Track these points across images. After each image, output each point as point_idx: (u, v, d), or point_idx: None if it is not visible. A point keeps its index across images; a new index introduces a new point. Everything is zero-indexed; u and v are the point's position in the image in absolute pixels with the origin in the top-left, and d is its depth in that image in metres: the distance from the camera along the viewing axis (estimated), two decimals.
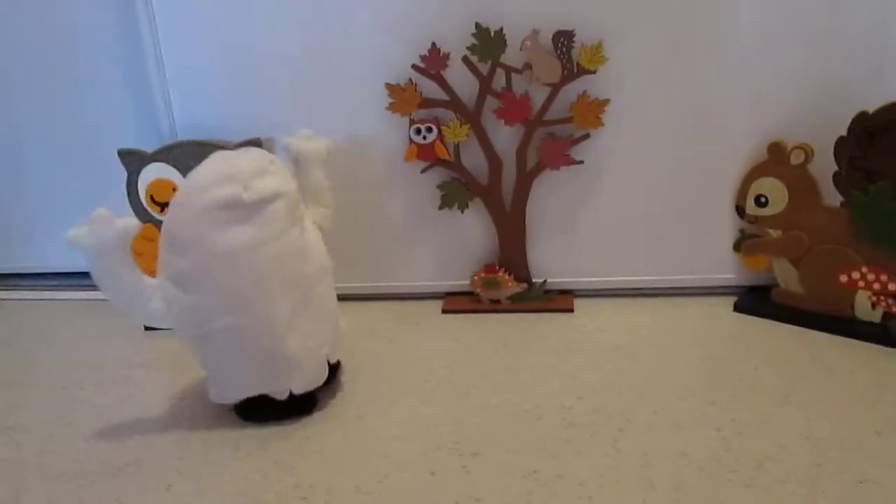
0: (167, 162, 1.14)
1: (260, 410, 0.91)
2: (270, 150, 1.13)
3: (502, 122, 1.09)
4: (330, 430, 0.90)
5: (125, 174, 1.16)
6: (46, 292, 1.37)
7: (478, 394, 0.96)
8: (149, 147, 1.14)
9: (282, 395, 0.90)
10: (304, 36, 1.09)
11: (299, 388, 0.90)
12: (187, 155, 1.13)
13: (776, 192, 1.06)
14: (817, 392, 0.91)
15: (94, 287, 0.86)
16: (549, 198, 1.13)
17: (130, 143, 1.17)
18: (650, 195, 1.12)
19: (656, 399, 0.92)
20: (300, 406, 0.93)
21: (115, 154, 1.15)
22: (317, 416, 0.93)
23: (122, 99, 1.24)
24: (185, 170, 1.14)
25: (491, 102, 1.08)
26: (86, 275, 0.86)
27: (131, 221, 0.84)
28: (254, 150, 0.88)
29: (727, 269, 1.15)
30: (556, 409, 0.91)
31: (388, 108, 1.09)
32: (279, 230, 0.85)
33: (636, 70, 1.05)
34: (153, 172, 1.15)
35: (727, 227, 1.13)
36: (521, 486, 0.78)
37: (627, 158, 1.10)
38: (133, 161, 1.14)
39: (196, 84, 1.15)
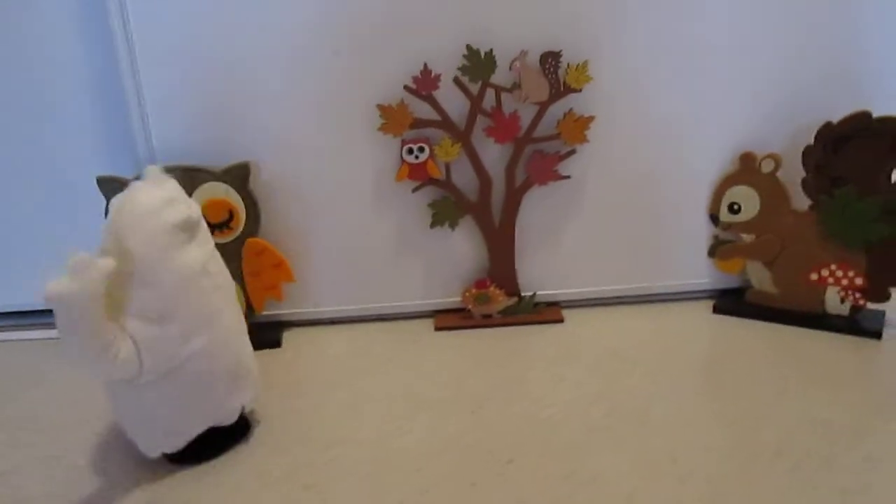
0: None
1: (207, 445, 0.89)
2: (257, 174, 1.13)
3: (492, 140, 1.12)
4: (358, 452, 0.90)
5: (102, 203, 1.12)
6: (24, 332, 1.29)
7: (493, 406, 0.98)
8: (126, 174, 1.11)
9: (232, 417, 0.90)
10: (292, 57, 1.09)
11: (251, 399, 0.92)
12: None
13: (748, 199, 1.14)
14: (807, 381, 0.98)
15: None
16: (534, 212, 1.17)
17: (102, 171, 1.13)
18: (630, 207, 1.18)
19: (664, 398, 0.96)
20: (243, 428, 0.93)
21: (92, 182, 1.11)
22: (338, 447, 0.91)
23: (96, 125, 1.19)
24: None
25: (481, 121, 1.11)
26: None
27: (109, 263, 0.74)
28: (162, 177, 0.85)
29: (702, 274, 1.22)
30: (574, 415, 0.94)
31: (379, 129, 1.11)
32: (211, 245, 0.88)
33: (617, 88, 1.11)
34: None
35: (701, 234, 1.20)
36: (562, 488, 0.81)
37: (608, 172, 1.16)
38: (112, 189, 1.10)
39: (176, 108, 1.13)
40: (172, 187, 0.84)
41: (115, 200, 0.81)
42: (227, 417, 0.90)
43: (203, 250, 0.85)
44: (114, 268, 0.75)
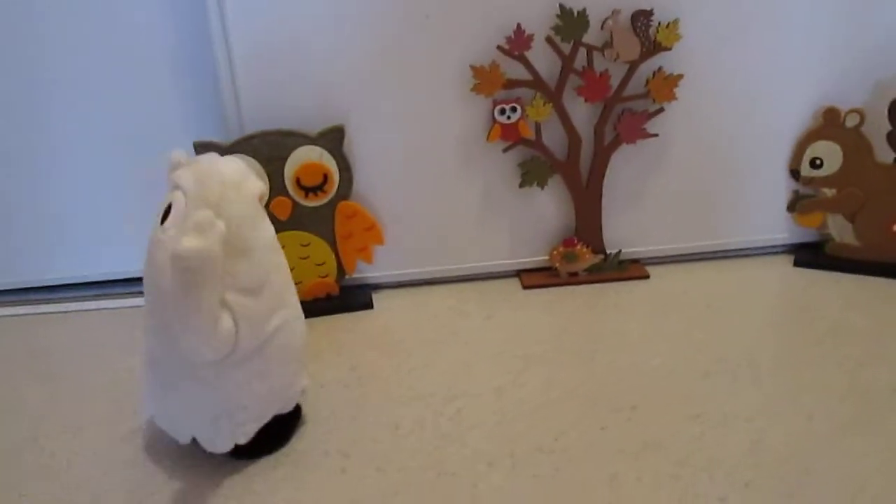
0: (246, 153, 1.11)
1: (271, 434, 0.84)
2: (349, 137, 1.14)
3: (582, 99, 1.13)
4: (481, 404, 0.92)
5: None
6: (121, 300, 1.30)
7: (601, 357, 1.00)
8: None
9: (294, 402, 0.87)
10: (384, 20, 1.10)
11: (306, 384, 0.88)
12: (267, 145, 1.12)
13: (831, 154, 1.16)
14: None
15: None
16: (619, 171, 1.19)
17: (189, 137, 1.13)
18: (711, 164, 1.20)
19: (769, 345, 1.00)
20: (298, 415, 0.89)
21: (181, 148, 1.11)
22: (460, 400, 0.94)
23: (185, 90, 1.20)
24: (266, 161, 1.12)
25: (571, 81, 1.12)
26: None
27: (222, 225, 0.71)
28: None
29: (780, 228, 1.24)
30: (683, 363, 0.97)
31: (472, 90, 1.12)
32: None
33: (704, 45, 1.13)
34: None
35: (779, 189, 1.22)
36: (693, 429, 0.83)
37: (692, 129, 1.18)
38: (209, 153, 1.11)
39: (265, 72, 1.13)
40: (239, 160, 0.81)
41: (190, 171, 0.75)
42: (292, 401, 0.86)
43: (270, 225, 0.82)
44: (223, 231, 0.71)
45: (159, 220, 0.75)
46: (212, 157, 0.79)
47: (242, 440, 0.80)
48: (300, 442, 0.87)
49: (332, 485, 0.79)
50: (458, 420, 0.89)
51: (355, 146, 1.15)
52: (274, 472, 0.81)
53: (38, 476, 0.83)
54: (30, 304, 1.30)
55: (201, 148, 1.11)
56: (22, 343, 1.17)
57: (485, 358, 1.02)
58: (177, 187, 0.75)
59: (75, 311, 1.27)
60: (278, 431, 0.85)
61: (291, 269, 0.85)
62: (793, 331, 1.04)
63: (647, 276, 1.21)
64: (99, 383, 1.02)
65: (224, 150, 1.11)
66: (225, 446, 0.80)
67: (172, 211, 0.74)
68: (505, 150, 1.16)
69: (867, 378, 0.90)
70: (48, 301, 1.30)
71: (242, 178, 0.78)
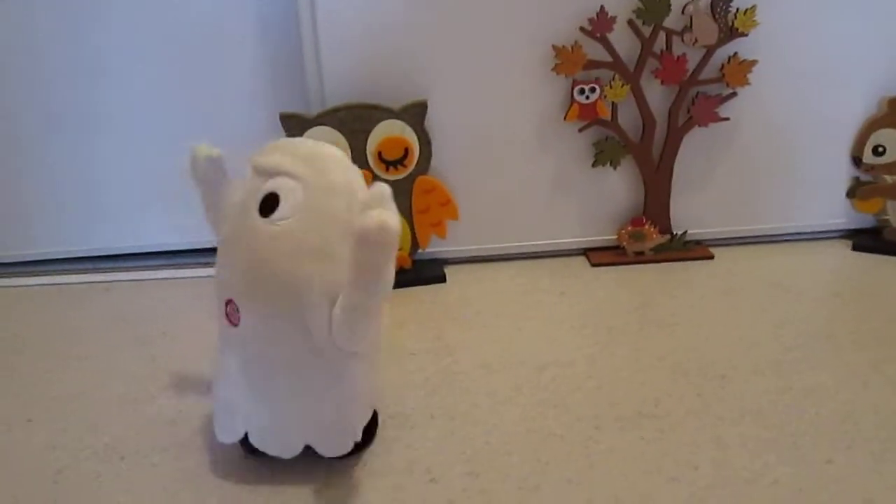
0: (331, 125, 1.13)
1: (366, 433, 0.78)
2: (430, 113, 1.16)
3: (658, 81, 1.16)
4: (572, 371, 0.95)
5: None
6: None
7: (682, 330, 1.04)
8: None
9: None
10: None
11: None
12: (353, 118, 1.14)
13: (894, 142, 1.20)
14: None
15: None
16: (688, 153, 1.22)
17: (272, 109, 1.16)
18: (776, 148, 1.24)
19: (843, 321, 1.03)
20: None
21: (264, 121, 1.14)
22: (551, 369, 0.97)
23: (269, 62, 1.22)
24: (349, 133, 1.14)
25: (649, 64, 1.15)
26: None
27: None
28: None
29: (838, 214, 1.28)
30: (765, 337, 1.01)
31: (553, 69, 1.14)
32: None
33: (778, 32, 1.16)
34: (314, 136, 1.13)
35: (839, 175, 1.26)
36: (784, 397, 0.87)
37: (760, 114, 1.21)
38: (294, 125, 1.13)
39: (348, 46, 1.15)
40: None
41: (297, 158, 0.70)
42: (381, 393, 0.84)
43: None
44: None
45: (255, 210, 0.68)
46: (306, 142, 0.73)
47: (357, 438, 0.74)
48: (403, 405, 0.89)
49: (444, 443, 0.82)
50: (555, 387, 0.92)
51: (435, 121, 1.17)
52: (383, 432, 0.83)
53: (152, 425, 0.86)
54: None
55: (287, 120, 1.13)
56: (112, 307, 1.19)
57: (567, 330, 1.05)
58: (276, 174, 0.68)
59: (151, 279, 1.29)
60: (370, 427, 0.79)
61: None
62: (863, 310, 1.08)
63: (711, 257, 1.25)
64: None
65: (310, 123, 1.13)
66: (345, 447, 0.74)
67: (287, 200, 0.67)
68: (581, 130, 1.19)
69: None
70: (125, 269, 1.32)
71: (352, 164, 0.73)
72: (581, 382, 0.93)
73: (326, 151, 0.71)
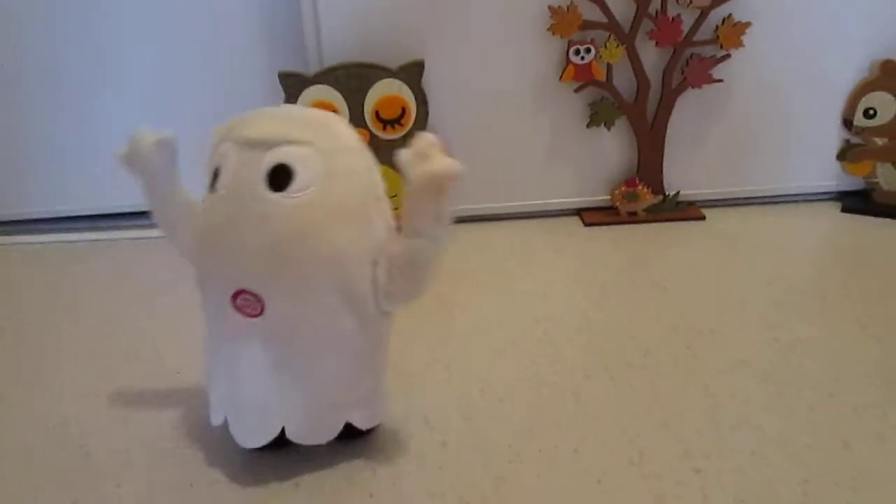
0: (330, 84, 1.14)
1: None
2: (427, 72, 1.16)
3: (653, 43, 1.17)
4: (566, 326, 0.98)
5: (275, 100, 1.16)
6: None
7: (675, 287, 1.06)
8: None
9: None
10: None
11: None
12: (350, 77, 1.15)
13: (885, 104, 1.22)
14: None
15: None
16: (681, 115, 1.24)
17: (269, 68, 1.16)
18: (768, 111, 1.25)
19: (833, 278, 1.06)
20: None
21: (260, 79, 1.15)
22: (545, 323, 1.00)
23: (266, 20, 1.22)
24: (347, 92, 1.15)
25: (644, 25, 1.16)
26: None
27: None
28: None
29: (828, 176, 1.30)
30: (755, 293, 1.03)
31: (549, 30, 1.15)
32: None
33: None
34: (313, 95, 1.15)
35: (830, 138, 1.28)
36: (771, 348, 0.90)
37: (754, 76, 1.22)
38: (293, 84, 1.14)
39: (346, 4, 1.16)
40: None
41: (303, 124, 0.65)
42: None
43: None
44: None
45: (261, 186, 0.62)
46: (292, 108, 0.73)
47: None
48: (400, 357, 0.91)
49: (441, 392, 0.85)
50: (547, 340, 0.94)
51: (432, 81, 1.18)
52: None
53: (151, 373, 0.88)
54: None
55: (286, 78, 1.14)
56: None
57: (561, 286, 1.08)
58: (277, 145, 0.62)
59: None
60: None
61: None
62: (851, 268, 1.10)
63: (702, 218, 1.27)
64: None
65: (308, 81, 1.14)
66: (384, 413, 0.74)
67: (303, 169, 0.62)
68: (577, 90, 1.20)
69: None
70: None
71: None
72: (573, 335, 0.95)
73: (323, 115, 0.68)
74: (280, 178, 0.62)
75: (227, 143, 0.65)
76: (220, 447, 0.75)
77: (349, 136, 0.66)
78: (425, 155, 0.60)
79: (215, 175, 0.65)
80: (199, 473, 0.73)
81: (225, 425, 0.71)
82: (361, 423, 0.72)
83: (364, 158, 0.66)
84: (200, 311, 0.71)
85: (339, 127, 0.66)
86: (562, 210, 1.31)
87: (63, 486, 0.72)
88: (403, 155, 0.61)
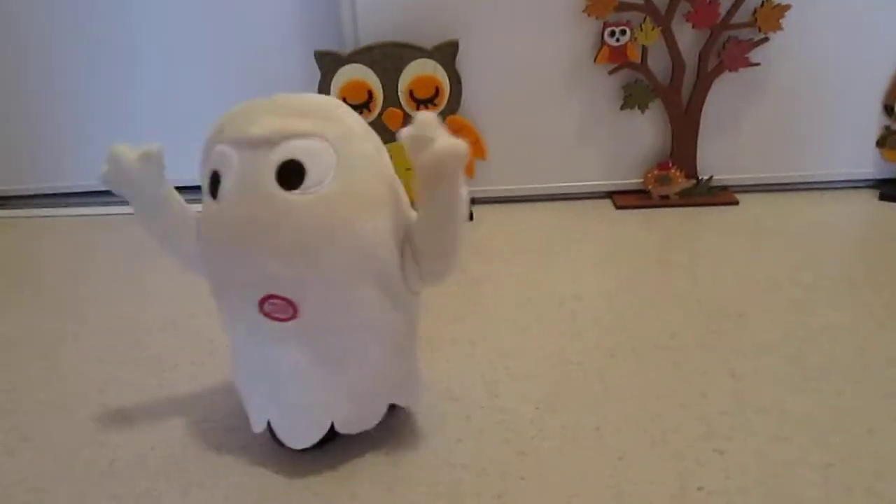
0: (365, 63, 1.16)
1: None
2: (461, 52, 1.17)
3: (689, 25, 1.16)
4: (593, 305, 0.98)
5: (306, 82, 1.18)
6: None
7: (704, 271, 1.06)
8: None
9: None
10: None
11: None
12: (385, 56, 1.16)
13: None
14: None
15: None
16: (717, 98, 1.23)
17: (306, 47, 1.18)
18: (806, 96, 1.24)
19: (863, 264, 1.05)
20: None
21: (296, 60, 1.16)
22: (571, 302, 1.00)
23: (304, 1, 1.24)
24: (382, 72, 1.17)
25: (681, 7, 1.15)
26: None
27: None
28: None
29: (867, 163, 1.28)
30: (784, 278, 1.02)
31: (584, 11, 1.15)
32: None
33: None
34: (348, 74, 1.16)
35: (870, 125, 1.26)
36: (799, 333, 0.89)
37: (792, 61, 1.21)
38: (328, 62, 1.16)
39: None
40: None
41: (311, 120, 0.61)
42: None
43: None
44: None
45: (272, 186, 0.59)
46: (289, 97, 0.63)
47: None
48: (426, 331, 0.92)
49: (466, 368, 0.86)
50: (574, 319, 0.95)
51: (466, 61, 1.19)
52: None
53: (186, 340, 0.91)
54: None
55: (322, 57, 1.16)
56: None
57: (589, 268, 1.08)
58: (282, 140, 0.59)
59: None
60: None
61: None
62: (884, 256, 1.09)
63: (736, 203, 1.26)
64: None
65: (343, 60, 1.16)
66: (423, 390, 0.75)
67: (315, 162, 0.59)
68: (611, 72, 1.20)
69: None
70: None
71: None
72: (599, 316, 0.96)
73: (323, 100, 0.64)
74: (291, 175, 0.59)
75: (223, 145, 0.61)
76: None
77: (354, 120, 0.63)
78: (427, 138, 0.57)
79: (215, 181, 0.61)
80: (230, 442, 0.75)
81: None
82: (404, 403, 0.73)
83: (372, 141, 0.63)
84: (220, 318, 0.69)
85: (342, 111, 0.63)
86: (593, 193, 1.31)
87: (103, 444, 0.75)
88: (404, 137, 0.58)
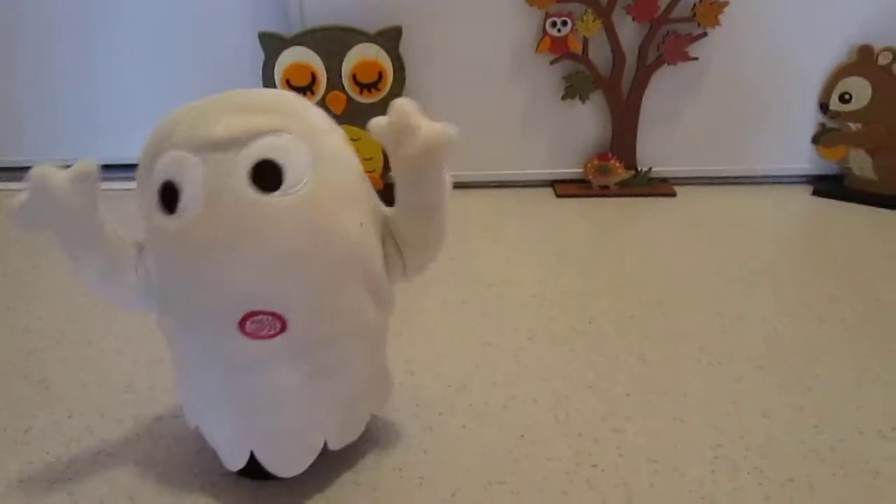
0: (308, 46, 1.17)
1: None
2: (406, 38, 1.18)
3: (630, 18, 1.19)
4: (521, 290, 1.01)
5: (250, 62, 1.19)
6: None
7: (632, 259, 1.09)
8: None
9: None
10: None
11: None
12: (329, 39, 1.17)
13: (861, 89, 1.22)
14: None
15: None
16: (656, 92, 1.25)
17: (251, 29, 1.19)
18: (743, 92, 1.26)
19: (786, 259, 1.08)
20: None
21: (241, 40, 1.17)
22: (501, 286, 1.03)
23: None
24: (325, 55, 1.18)
25: (622, 0, 1.17)
26: None
27: None
28: None
29: (802, 159, 1.31)
30: (709, 268, 1.06)
31: (527, 1, 1.17)
32: None
33: None
34: (291, 56, 1.17)
35: (805, 122, 1.29)
36: (713, 322, 0.92)
37: (729, 57, 1.23)
38: (273, 44, 1.17)
39: None
40: None
41: (270, 117, 0.56)
42: None
43: None
44: None
45: (248, 191, 0.53)
46: (243, 93, 0.59)
47: None
48: None
49: (389, 345, 0.88)
50: (500, 302, 0.97)
51: (410, 47, 1.20)
52: None
53: None
54: None
55: (266, 38, 1.17)
56: None
57: (523, 253, 1.11)
58: (251, 139, 0.54)
59: None
60: None
61: None
62: (810, 250, 1.12)
63: (673, 194, 1.29)
64: None
65: (287, 42, 1.17)
66: (394, 388, 0.72)
67: (292, 161, 0.54)
68: (552, 63, 1.22)
69: (877, 292, 0.98)
70: None
71: None
72: (525, 300, 0.98)
73: (277, 93, 0.60)
74: (266, 176, 0.53)
75: (176, 151, 0.54)
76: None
77: (315, 113, 0.59)
78: (410, 126, 0.55)
79: (168, 193, 0.54)
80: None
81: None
82: (382, 404, 0.71)
83: (339, 135, 0.60)
84: (172, 355, 0.63)
85: (302, 105, 0.59)
86: (536, 181, 1.33)
87: (21, 415, 0.76)
88: (381, 126, 0.57)
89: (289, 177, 0.53)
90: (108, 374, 0.83)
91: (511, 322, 0.93)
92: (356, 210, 0.58)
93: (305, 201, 0.54)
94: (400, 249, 0.62)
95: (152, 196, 0.55)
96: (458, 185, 1.23)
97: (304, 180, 0.54)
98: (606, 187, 1.29)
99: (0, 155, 1.40)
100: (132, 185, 0.59)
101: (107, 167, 1.27)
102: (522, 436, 0.74)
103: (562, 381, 0.81)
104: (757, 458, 0.70)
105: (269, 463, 0.63)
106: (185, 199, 0.53)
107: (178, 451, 0.71)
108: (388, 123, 0.56)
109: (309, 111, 0.59)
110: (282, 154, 0.54)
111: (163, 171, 0.54)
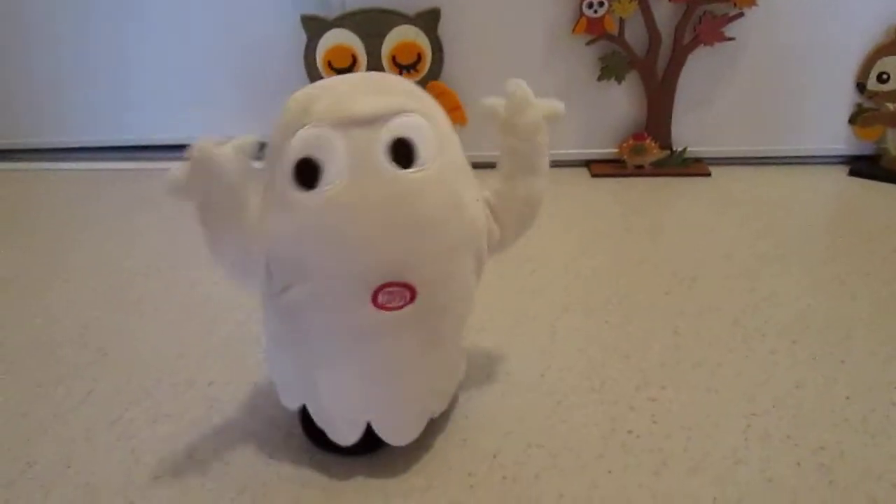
0: (348, 28, 1.19)
1: None
2: (444, 20, 1.20)
3: None
4: (555, 268, 1.03)
5: (293, 45, 1.22)
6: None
7: (666, 238, 1.11)
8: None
9: None
10: None
11: None
12: (369, 21, 1.20)
13: None
14: None
15: None
16: (692, 72, 1.26)
17: (289, 11, 1.22)
18: (781, 72, 1.27)
19: (820, 236, 1.09)
20: None
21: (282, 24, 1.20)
22: (533, 263, 1.05)
23: None
24: (364, 37, 1.20)
25: None
26: None
27: None
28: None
29: (838, 140, 1.31)
30: (743, 246, 1.07)
31: None
32: None
33: None
34: (332, 38, 1.20)
35: (842, 102, 1.29)
36: (746, 299, 0.94)
37: (767, 37, 1.24)
38: (314, 27, 1.20)
39: None
40: None
41: (413, 97, 0.60)
42: None
43: None
44: None
45: (387, 166, 0.56)
46: (369, 75, 0.64)
47: None
48: None
49: None
50: (534, 278, 1.00)
51: (447, 29, 1.22)
52: None
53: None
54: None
55: (308, 21, 1.20)
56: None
57: (557, 231, 1.13)
58: (391, 117, 0.57)
59: None
60: None
61: None
62: (845, 229, 1.13)
63: (708, 174, 1.30)
64: None
65: (328, 25, 1.20)
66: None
67: (424, 140, 0.57)
68: (588, 44, 1.23)
69: None
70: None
71: None
72: (558, 275, 1.00)
73: (397, 78, 0.64)
74: (401, 152, 0.57)
75: (315, 128, 0.56)
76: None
77: (430, 96, 0.63)
78: (530, 102, 0.67)
79: (307, 169, 0.56)
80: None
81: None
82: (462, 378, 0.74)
83: (445, 114, 0.63)
84: (281, 336, 0.65)
85: (420, 89, 0.62)
86: (571, 161, 1.35)
87: (83, 378, 0.81)
88: (498, 105, 0.68)
89: (421, 154, 0.57)
90: (161, 344, 0.87)
91: (546, 296, 0.95)
92: (472, 186, 0.63)
93: (436, 177, 0.58)
94: (500, 220, 0.67)
95: (286, 173, 0.56)
96: (492, 165, 1.26)
97: (432, 158, 0.58)
98: (641, 167, 1.30)
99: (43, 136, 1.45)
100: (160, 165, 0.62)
101: (141, 148, 1.31)
102: (559, 402, 0.76)
103: (597, 350, 0.84)
104: (789, 428, 0.72)
105: (386, 432, 0.66)
106: (329, 174, 0.56)
107: (233, 413, 0.75)
108: (508, 99, 0.65)
109: (426, 94, 0.62)
110: (416, 132, 0.57)
111: (299, 147, 0.56)
